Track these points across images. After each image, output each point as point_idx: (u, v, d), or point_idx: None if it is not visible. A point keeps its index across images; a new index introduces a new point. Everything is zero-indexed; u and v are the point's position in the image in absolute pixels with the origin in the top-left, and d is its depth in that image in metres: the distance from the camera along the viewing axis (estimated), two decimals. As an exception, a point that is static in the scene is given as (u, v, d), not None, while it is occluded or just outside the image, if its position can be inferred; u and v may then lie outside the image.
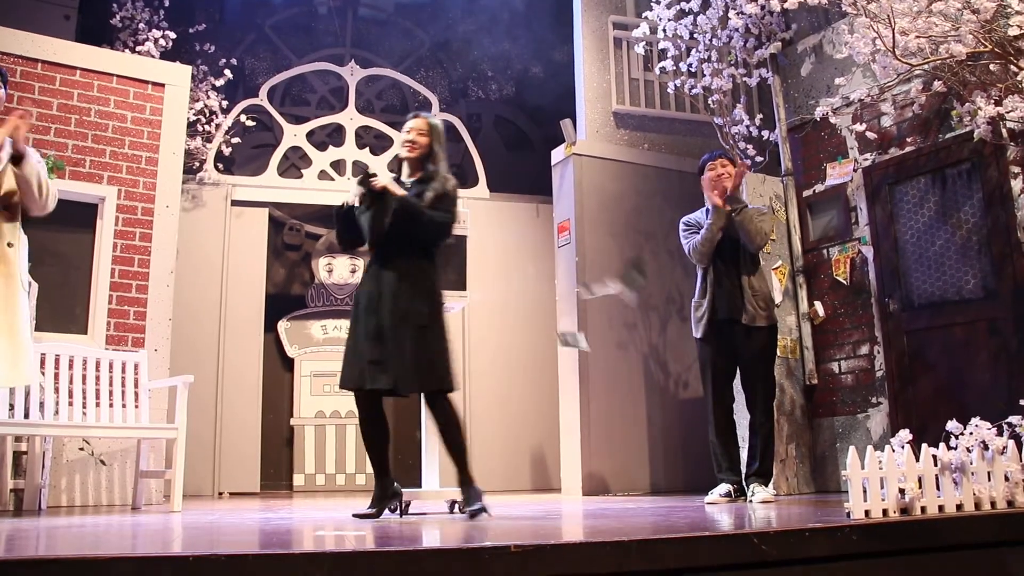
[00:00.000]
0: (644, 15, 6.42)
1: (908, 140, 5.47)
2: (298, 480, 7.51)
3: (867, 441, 5.48)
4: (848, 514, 2.68)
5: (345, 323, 7.94)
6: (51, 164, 5.26)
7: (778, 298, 5.84)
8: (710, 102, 6.37)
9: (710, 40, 6.31)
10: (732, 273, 4.75)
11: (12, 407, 4.57)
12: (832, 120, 5.70)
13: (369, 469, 7.49)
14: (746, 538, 2.26)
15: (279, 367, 7.78)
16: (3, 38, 5.44)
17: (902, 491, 2.75)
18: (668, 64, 6.35)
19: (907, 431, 2.95)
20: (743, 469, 4.76)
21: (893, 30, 4.37)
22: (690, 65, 6.35)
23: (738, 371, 4.83)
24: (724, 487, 4.63)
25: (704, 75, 6.36)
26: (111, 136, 5.73)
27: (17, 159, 3.56)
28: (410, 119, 4.03)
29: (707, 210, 4.83)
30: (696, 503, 4.51)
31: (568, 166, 6.48)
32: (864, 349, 5.67)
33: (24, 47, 5.52)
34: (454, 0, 8.78)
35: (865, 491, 2.72)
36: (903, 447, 2.87)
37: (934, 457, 2.91)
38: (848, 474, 2.74)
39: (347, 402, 7.73)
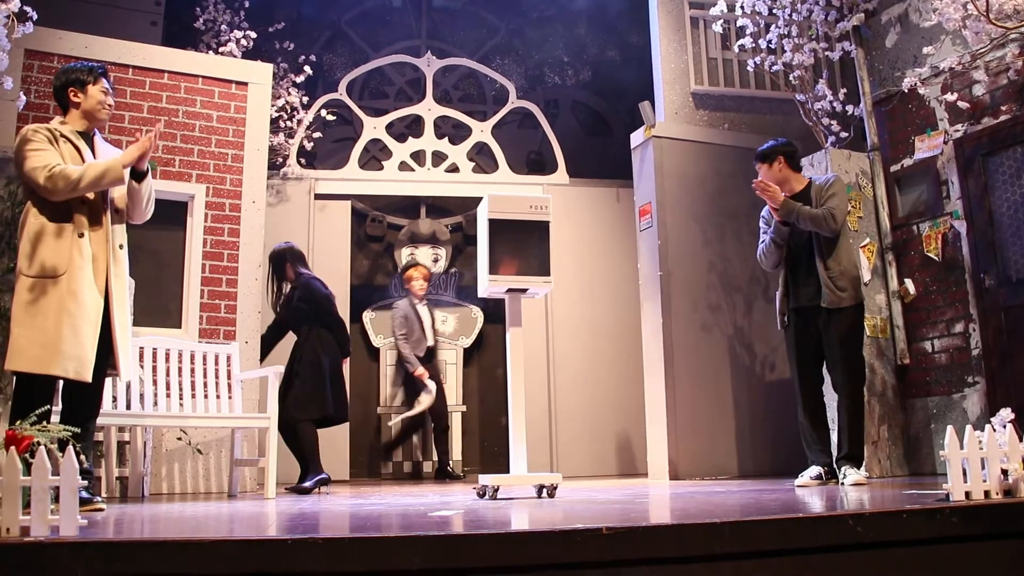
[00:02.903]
0: (721, -8, 6.31)
1: (1003, 108, 5.25)
2: (386, 468, 7.64)
3: (963, 421, 5.30)
4: (947, 496, 2.60)
5: (429, 312, 8.05)
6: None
7: (867, 276, 5.70)
8: (791, 78, 6.22)
9: (790, 15, 6.16)
10: (808, 259, 4.67)
11: (115, 399, 4.77)
12: (920, 91, 5.53)
13: (457, 456, 7.61)
14: (841, 520, 2.22)
15: (365, 357, 7.91)
16: (96, 46, 5.65)
17: (1005, 472, 2.65)
18: (747, 41, 6.22)
19: (1009, 410, 2.85)
20: (834, 452, 4.67)
21: (985, -6, 4.20)
22: (770, 41, 6.20)
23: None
24: (815, 469, 4.55)
25: (784, 51, 6.21)
26: (198, 135, 5.90)
27: (139, 175, 3.73)
28: None
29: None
30: (786, 486, 4.45)
31: (648, 149, 6.42)
32: (959, 327, 5.48)
33: (116, 54, 5.73)
34: (527, -14, 8.77)
35: (965, 472, 2.64)
36: (1005, 426, 2.77)
37: (1038, 437, 2.80)
38: (947, 455, 2.66)
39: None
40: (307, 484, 5.26)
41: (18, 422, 2.39)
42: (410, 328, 7.36)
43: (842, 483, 4.44)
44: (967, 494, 2.60)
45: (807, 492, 3.78)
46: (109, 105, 3.81)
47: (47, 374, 3.43)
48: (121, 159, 3.62)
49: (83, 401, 3.60)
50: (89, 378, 3.50)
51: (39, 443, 2.23)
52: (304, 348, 5.55)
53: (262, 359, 5.81)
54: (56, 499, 2.08)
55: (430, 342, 7.43)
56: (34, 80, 5.43)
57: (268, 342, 5.88)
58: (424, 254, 8.20)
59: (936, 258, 5.63)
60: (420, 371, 7.19)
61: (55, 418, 3.37)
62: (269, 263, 5.82)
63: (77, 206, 3.59)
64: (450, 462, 7.41)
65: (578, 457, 7.44)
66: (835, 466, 4.59)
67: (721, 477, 5.99)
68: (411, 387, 7.45)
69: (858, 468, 4.50)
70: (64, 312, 3.45)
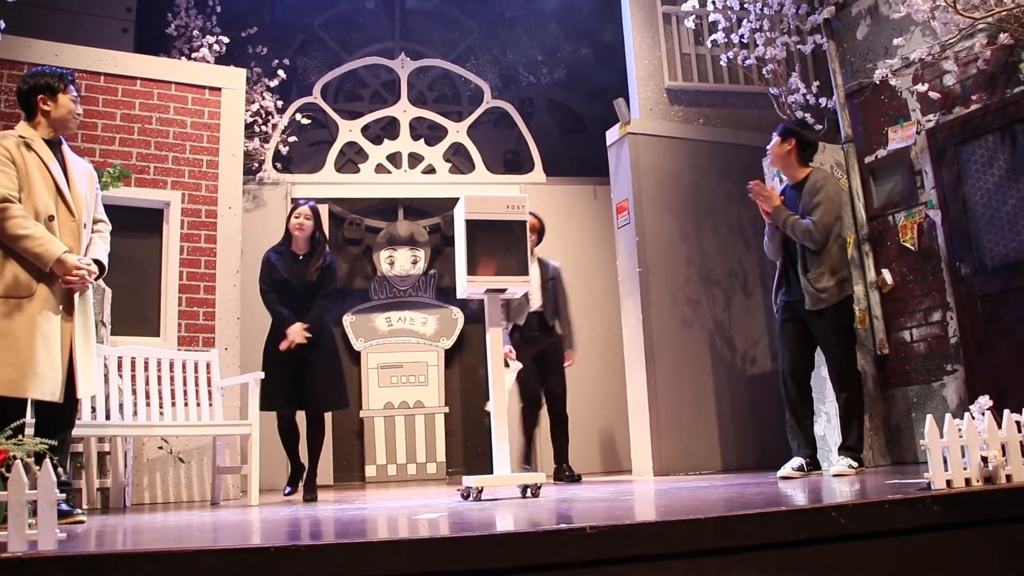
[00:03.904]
0: (693, -12, 6.33)
1: (973, 98, 5.29)
2: (370, 471, 7.62)
3: (944, 410, 5.35)
4: (929, 484, 2.62)
5: (409, 314, 8.03)
6: (117, 172, 5.40)
7: (844, 268, 5.73)
8: (764, 72, 6.25)
9: (761, 9, 6.19)
10: (794, 263, 4.77)
11: (94, 409, 4.73)
12: (892, 82, 5.56)
13: (440, 457, 7.59)
14: (824, 512, 2.23)
15: (347, 360, 7.88)
16: (67, 54, 5.60)
17: (984, 459, 2.67)
18: (719, 36, 6.24)
19: (987, 397, 2.87)
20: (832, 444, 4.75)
21: (953, -14, 4.24)
22: (742, 36, 6.23)
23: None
24: (796, 460, 4.59)
25: (757, 45, 6.24)
26: (172, 142, 5.85)
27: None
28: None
29: (782, 189, 4.96)
30: (769, 479, 4.47)
31: (624, 146, 6.43)
32: (936, 316, 5.53)
33: (87, 61, 5.67)
34: (500, -14, 8.76)
35: (945, 460, 2.66)
36: (983, 414, 2.79)
37: (1018, 423, 2.83)
38: (927, 443, 2.68)
39: (414, 392, 7.82)
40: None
41: (-7, 437, 2.36)
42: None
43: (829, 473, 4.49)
44: (948, 482, 2.61)
45: (790, 485, 3.80)
46: (78, 114, 3.74)
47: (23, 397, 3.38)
48: (56, 261, 3.46)
49: (57, 415, 3.54)
50: (62, 399, 3.46)
51: (15, 457, 2.20)
52: (324, 332, 5.23)
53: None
54: (34, 513, 2.05)
55: (536, 305, 6.13)
56: (3, 89, 5.36)
57: (272, 305, 5.21)
58: (403, 256, 8.18)
59: (912, 248, 5.67)
60: (507, 348, 5.85)
61: (30, 431, 3.33)
62: (315, 218, 5.27)
63: (45, 222, 3.53)
64: (567, 460, 6.19)
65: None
66: (837, 454, 4.65)
67: (704, 472, 6.01)
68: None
69: (853, 458, 4.53)
70: (37, 332, 3.39)
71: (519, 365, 5.87)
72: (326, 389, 5.13)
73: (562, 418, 6.16)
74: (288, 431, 5.21)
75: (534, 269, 5.93)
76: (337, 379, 5.22)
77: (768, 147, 4.93)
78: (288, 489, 5.33)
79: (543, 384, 6.13)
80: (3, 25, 4.30)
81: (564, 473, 6.04)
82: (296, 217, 5.21)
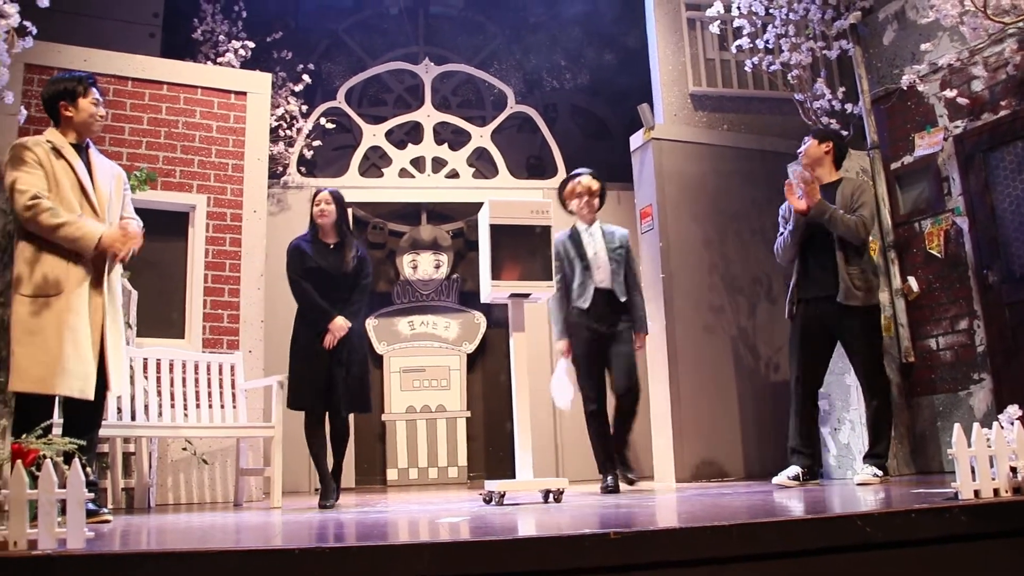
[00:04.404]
0: (718, -7, 6.31)
1: (1002, 104, 5.24)
2: (391, 475, 7.63)
3: (970, 419, 5.29)
4: (956, 494, 2.59)
5: (432, 318, 8.05)
6: (144, 176, 5.46)
7: (869, 275, 5.69)
8: (789, 78, 6.22)
9: (786, 14, 6.16)
10: (822, 249, 4.65)
11: (120, 410, 4.77)
12: (919, 88, 5.52)
13: (462, 462, 7.59)
14: (850, 520, 2.21)
15: (369, 364, 7.91)
16: (96, 59, 5.66)
17: (1014, 470, 2.64)
18: (744, 42, 6.21)
19: (1016, 407, 2.83)
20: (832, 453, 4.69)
21: (982, -9, 4.20)
22: (767, 41, 6.20)
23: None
24: (793, 469, 4.54)
25: (782, 51, 6.21)
26: (198, 146, 5.91)
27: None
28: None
29: (799, 195, 4.76)
30: (794, 488, 4.43)
31: (647, 151, 6.41)
32: (963, 324, 5.47)
33: (115, 66, 5.74)
34: (523, -9, 8.78)
35: (973, 470, 2.63)
36: (1012, 423, 2.76)
37: (1046, 433, 2.79)
38: (955, 452, 2.65)
39: (436, 397, 7.83)
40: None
41: (23, 436, 2.39)
42: (567, 263, 5.31)
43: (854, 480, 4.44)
44: (976, 492, 2.59)
45: (811, 492, 3.77)
46: (100, 116, 3.78)
47: (51, 394, 3.42)
48: (99, 238, 3.54)
49: (84, 414, 3.58)
50: (92, 396, 3.49)
51: (45, 456, 2.23)
52: (359, 330, 4.86)
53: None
54: (63, 512, 2.08)
55: (601, 280, 5.18)
56: (34, 94, 5.43)
57: (308, 296, 4.73)
58: (426, 260, 8.20)
59: (939, 255, 5.62)
60: (560, 344, 5.28)
61: (58, 431, 3.37)
62: (337, 203, 4.90)
63: None
64: (631, 461, 5.39)
65: (584, 461, 7.41)
66: (862, 462, 4.60)
67: (727, 479, 5.98)
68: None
69: (879, 467, 4.48)
70: (66, 329, 3.44)
71: (571, 391, 5.14)
72: (357, 389, 4.78)
73: (630, 415, 5.20)
74: (318, 432, 4.74)
75: (597, 238, 5.24)
76: (366, 380, 4.89)
77: (802, 148, 4.88)
78: (330, 502, 4.57)
79: (612, 375, 5.16)
80: (35, 31, 4.35)
81: (626, 475, 5.22)
82: (317, 204, 4.85)
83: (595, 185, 5.29)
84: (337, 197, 4.92)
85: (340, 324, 4.64)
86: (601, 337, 5.10)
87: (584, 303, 5.10)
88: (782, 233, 4.83)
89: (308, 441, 4.72)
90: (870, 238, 5.68)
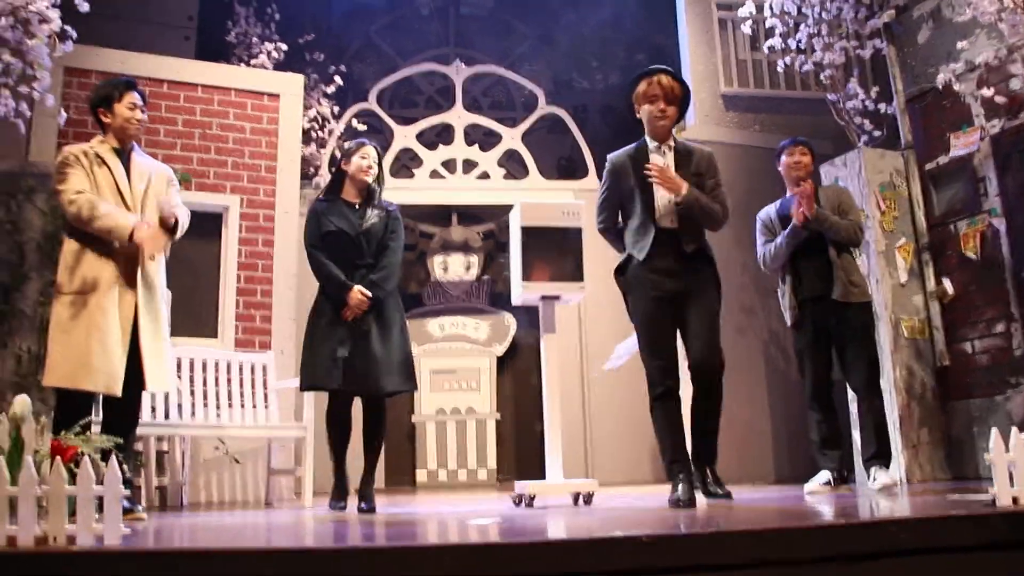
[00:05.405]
0: (749, -7, 6.27)
1: (1041, 104, 5.16)
2: (421, 476, 7.65)
3: (1007, 424, 5.19)
4: (993, 501, 2.55)
5: (462, 320, 8.07)
6: (179, 177, 5.52)
7: (903, 277, 5.63)
8: (822, 78, 6.16)
9: (819, 14, 6.10)
10: (816, 250, 4.63)
11: (154, 409, 4.83)
12: (955, 87, 5.45)
13: (492, 464, 7.60)
14: (883, 526, 2.19)
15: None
16: (132, 61, 5.74)
17: (1052, 475, 2.60)
18: (776, 42, 6.17)
19: (1054, 411, 2.79)
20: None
21: (1020, -11, 4.14)
22: (799, 41, 6.15)
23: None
24: (824, 475, 4.50)
25: (814, 50, 6.15)
26: (232, 147, 5.97)
27: (171, 230, 3.74)
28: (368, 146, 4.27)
29: (782, 202, 4.83)
30: (825, 493, 4.39)
31: (677, 152, 6.38)
32: (1000, 327, 5.39)
33: (150, 68, 5.82)
34: (553, -8, 8.77)
35: (1012, 476, 2.59)
36: (1051, 428, 2.71)
37: (1086, 439, 2.74)
38: (992, 458, 2.61)
39: (466, 398, 7.84)
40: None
41: (62, 433, 2.43)
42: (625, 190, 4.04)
43: (872, 486, 4.38)
44: (1015, 499, 2.54)
45: (843, 497, 3.73)
46: (138, 119, 3.82)
47: (79, 389, 3.49)
48: (131, 229, 3.58)
49: (121, 412, 3.64)
50: (119, 392, 3.54)
51: (83, 453, 2.26)
52: (391, 297, 4.24)
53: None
54: (100, 508, 2.11)
55: (667, 222, 3.79)
56: (73, 96, 5.53)
57: (324, 266, 4.12)
58: (456, 261, 8.22)
59: (974, 257, 5.55)
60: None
61: (96, 428, 3.42)
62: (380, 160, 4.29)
63: None
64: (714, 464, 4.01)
65: (614, 463, 7.40)
66: (864, 468, 4.54)
67: (758, 483, 5.93)
68: None
69: (887, 468, 4.43)
70: (94, 327, 3.52)
71: (622, 357, 4.83)
72: (393, 366, 4.08)
73: (712, 397, 3.82)
74: (342, 420, 4.16)
75: (670, 159, 3.85)
76: (406, 353, 4.22)
77: (801, 158, 4.84)
78: (342, 504, 4.13)
79: (685, 344, 3.83)
80: (75, 36, 4.43)
81: (707, 484, 3.87)
82: (363, 158, 4.17)
83: (677, 88, 3.86)
84: (380, 154, 4.31)
85: (358, 298, 4.00)
86: (671, 296, 3.76)
87: (641, 252, 3.75)
88: (768, 241, 4.80)
89: (329, 429, 4.16)
90: (903, 239, 5.64)
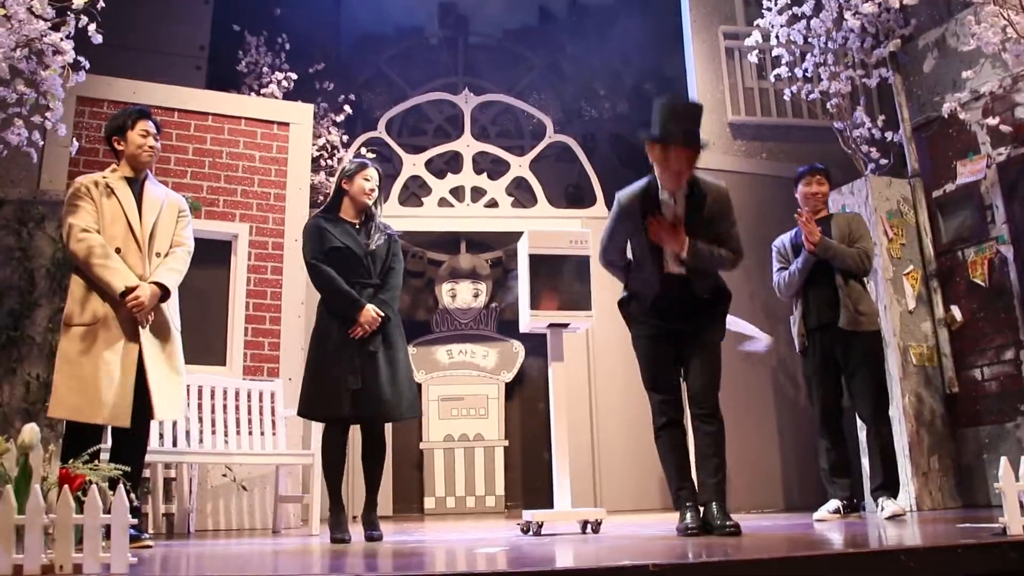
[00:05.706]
0: (756, 23, 6.31)
1: (1047, 132, 5.17)
2: (429, 503, 7.63)
3: (1018, 452, 5.17)
4: (1004, 530, 2.54)
5: (471, 347, 8.07)
6: (190, 204, 5.57)
7: (911, 304, 5.62)
8: (828, 106, 6.19)
9: (825, 43, 6.15)
10: (825, 278, 4.65)
11: (162, 436, 4.84)
12: (960, 116, 5.47)
13: (500, 491, 7.57)
14: (893, 555, 2.18)
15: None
16: (143, 91, 5.81)
17: (1062, 504, 2.58)
18: (783, 71, 6.21)
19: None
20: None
21: (1024, 18, 4.17)
22: (806, 70, 6.20)
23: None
24: (834, 503, 4.49)
25: (821, 79, 6.20)
26: (241, 176, 6.02)
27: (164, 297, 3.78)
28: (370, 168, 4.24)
29: (796, 230, 4.80)
30: (835, 521, 4.37)
31: (684, 180, 6.40)
32: (1008, 354, 5.37)
33: (161, 98, 5.88)
34: (561, 22, 8.84)
35: (1022, 505, 2.57)
36: (1060, 457, 2.70)
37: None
38: (1002, 487, 2.60)
39: (474, 425, 7.83)
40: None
41: (70, 461, 2.44)
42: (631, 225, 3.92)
43: (879, 515, 4.36)
44: (1024, 527, 2.53)
45: (851, 526, 3.71)
46: (150, 147, 3.85)
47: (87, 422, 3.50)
48: (122, 292, 3.60)
49: (130, 441, 3.64)
50: (128, 423, 3.54)
51: (91, 482, 2.27)
52: (394, 321, 4.11)
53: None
54: (107, 536, 2.11)
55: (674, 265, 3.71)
56: (85, 126, 5.59)
57: (332, 282, 4.01)
58: (465, 289, 8.24)
59: (983, 284, 5.54)
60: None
61: (105, 456, 3.43)
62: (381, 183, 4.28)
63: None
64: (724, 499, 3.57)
65: (622, 490, 7.37)
66: (872, 497, 4.52)
67: (767, 510, 5.90)
68: None
69: (895, 497, 4.42)
70: (102, 360, 3.54)
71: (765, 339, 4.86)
72: (398, 392, 3.96)
73: (712, 432, 3.68)
74: (338, 450, 4.01)
75: (680, 204, 3.59)
76: (409, 379, 4.09)
77: (816, 188, 4.85)
78: (346, 536, 3.92)
79: (686, 380, 3.77)
80: (88, 66, 4.49)
81: (715, 519, 3.39)
82: (367, 180, 4.14)
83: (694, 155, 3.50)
84: (382, 176, 4.27)
85: (371, 316, 3.93)
86: (674, 332, 3.71)
87: (646, 300, 3.72)
88: (782, 269, 4.84)
89: (326, 457, 4.04)
90: (910, 266, 5.63)
